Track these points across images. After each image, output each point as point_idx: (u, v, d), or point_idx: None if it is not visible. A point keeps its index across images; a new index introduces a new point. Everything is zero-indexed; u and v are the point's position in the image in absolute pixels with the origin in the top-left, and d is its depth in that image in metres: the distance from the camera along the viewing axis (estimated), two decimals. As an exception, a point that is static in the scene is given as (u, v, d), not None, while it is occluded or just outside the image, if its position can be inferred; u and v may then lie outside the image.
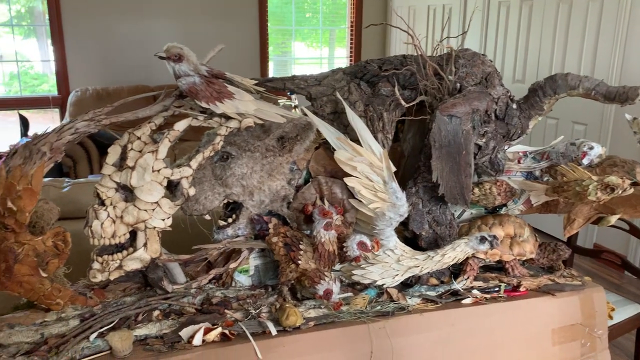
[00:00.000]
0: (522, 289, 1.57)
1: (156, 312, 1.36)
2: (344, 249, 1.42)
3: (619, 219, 1.61)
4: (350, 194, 1.51)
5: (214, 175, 1.40)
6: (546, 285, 1.61)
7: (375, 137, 1.50)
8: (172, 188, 1.36)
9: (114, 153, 1.33)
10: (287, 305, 1.35)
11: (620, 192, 1.40)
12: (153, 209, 1.31)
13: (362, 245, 1.41)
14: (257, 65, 6.12)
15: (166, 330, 1.30)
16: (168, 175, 1.32)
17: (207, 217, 1.43)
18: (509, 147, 1.66)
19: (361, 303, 1.44)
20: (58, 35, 5.33)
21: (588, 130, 3.97)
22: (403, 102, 1.50)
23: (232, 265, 1.50)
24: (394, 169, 1.44)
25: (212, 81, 1.36)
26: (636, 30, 3.58)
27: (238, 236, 1.49)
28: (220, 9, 5.82)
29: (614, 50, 3.71)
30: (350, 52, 6.64)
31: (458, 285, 1.55)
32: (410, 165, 1.63)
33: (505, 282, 1.59)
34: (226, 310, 1.37)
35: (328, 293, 1.35)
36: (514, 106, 1.59)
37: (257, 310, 1.38)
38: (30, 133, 4.72)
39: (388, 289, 1.50)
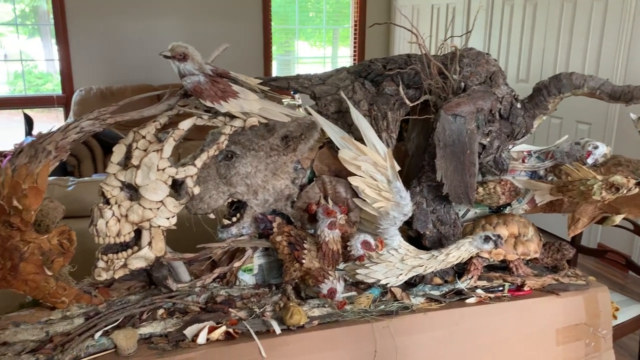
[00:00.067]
0: (526, 288, 1.57)
1: (161, 311, 1.36)
2: (348, 248, 1.43)
3: (624, 218, 1.60)
4: (354, 193, 1.51)
5: (219, 174, 1.40)
6: (550, 285, 1.60)
7: (380, 136, 1.50)
8: (176, 187, 1.36)
9: (119, 152, 1.33)
10: (291, 304, 1.35)
11: (625, 191, 1.39)
12: (158, 208, 1.31)
13: (366, 244, 1.41)
14: (260, 65, 6.13)
15: (170, 329, 1.30)
16: (173, 174, 1.32)
17: (212, 215, 1.44)
18: (513, 147, 1.66)
19: (365, 302, 1.44)
20: (62, 34, 5.35)
21: (592, 129, 3.96)
22: (407, 101, 1.50)
23: (236, 264, 1.50)
24: (398, 168, 1.44)
25: (217, 80, 1.36)
26: (641, 30, 3.57)
27: (242, 235, 1.49)
28: (224, 8, 5.82)
29: (619, 49, 3.70)
30: (354, 51, 6.64)
31: (462, 284, 1.55)
32: (415, 164, 1.63)
33: (509, 282, 1.59)
34: (230, 309, 1.37)
35: (332, 292, 1.36)
36: (519, 105, 1.58)
37: (261, 309, 1.39)
38: (35, 132, 4.74)
39: (392, 288, 1.50)
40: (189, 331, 1.28)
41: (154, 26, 5.62)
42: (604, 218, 1.63)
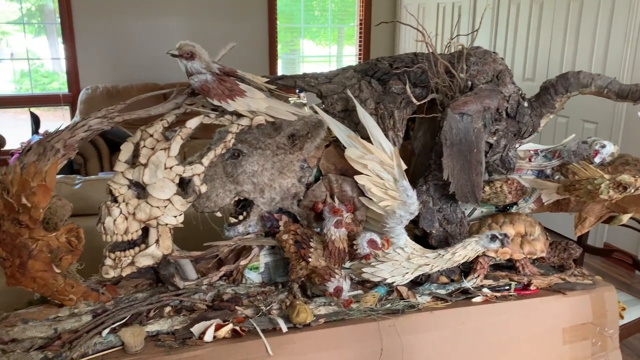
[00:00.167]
0: (532, 287, 1.56)
1: (168, 309, 1.37)
2: (354, 247, 1.43)
3: (631, 218, 1.60)
4: (361, 191, 1.51)
5: (225, 172, 1.40)
6: (557, 284, 1.60)
7: (386, 135, 1.50)
8: (183, 185, 1.36)
9: (126, 150, 1.34)
10: (297, 303, 1.35)
11: (632, 190, 1.39)
12: (165, 206, 1.32)
13: (372, 243, 1.41)
14: (266, 63, 6.13)
15: (177, 327, 1.31)
16: (180, 173, 1.32)
17: (218, 214, 1.44)
18: (520, 145, 1.65)
19: (371, 301, 1.45)
20: (69, 33, 5.37)
21: (599, 128, 3.94)
22: (414, 100, 1.50)
23: (243, 262, 1.51)
24: (404, 166, 1.44)
25: (224, 79, 1.36)
26: (648, 28, 3.56)
27: (249, 233, 1.50)
28: (230, 7, 5.83)
29: (626, 47, 3.68)
30: (359, 50, 6.63)
31: (468, 283, 1.55)
32: (421, 163, 1.63)
33: (515, 281, 1.59)
34: (237, 307, 1.38)
35: (338, 290, 1.36)
36: (526, 104, 1.58)
37: (268, 307, 1.39)
38: (41, 131, 4.76)
39: (398, 287, 1.51)
40: (196, 329, 1.28)
41: (160, 25, 5.63)
42: (611, 217, 1.62)
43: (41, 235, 1.26)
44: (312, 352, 1.33)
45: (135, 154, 1.33)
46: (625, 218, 1.59)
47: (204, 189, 1.36)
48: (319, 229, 1.50)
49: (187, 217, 1.39)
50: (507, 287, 1.56)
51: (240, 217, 1.48)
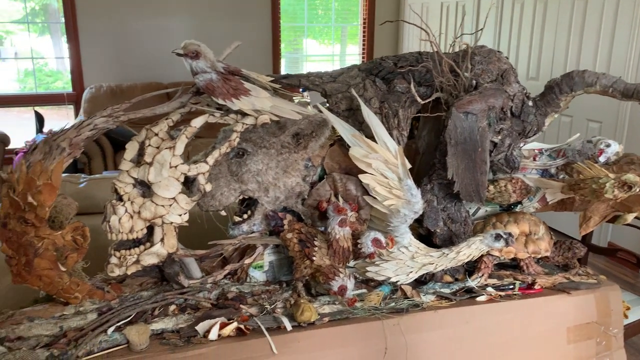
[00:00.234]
0: (536, 286, 1.56)
1: (172, 307, 1.37)
2: (359, 246, 1.43)
3: (635, 217, 1.59)
4: (365, 190, 1.51)
5: (230, 171, 1.41)
6: (561, 283, 1.60)
7: (391, 134, 1.50)
8: (188, 184, 1.37)
9: (131, 149, 1.34)
10: (302, 301, 1.35)
11: (637, 190, 1.39)
12: (170, 205, 1.32)
13: (376, 242, 1.41)
14: (269, 62, 6.13)
15: (182, 325, 1.31)
16: (185, 171, 1.33)
17: (223, 212, 1.44)
18: (524, 145, 1.65)
19: (375, 300, 1.45)
20: (73, 32, 5.38)
21: (603, 128, 3.93)
22: (419, 99, 1.50)
23: (247, 260, 1.51)
24: (409, 165, 1.44)
25: (229, 78, 1.37)
26: (653, 27, 3.54)
27: (253, 232, 1.50)
28: (233, 6, 5.84)
29: (630, 46, 3.67)
30: (363, 49, 6.63)
31: (472, 282, 1.55)
32: (425, 162, 1.63)
33: (519, 280, 1.59)
34: (241, 306, 1.38)
35: (342, 289, 1.36)
36: (530, 103, 1.58)
37: (272, 306, 1.39)
38: (45, 129, 4.78)
39: (402, 286, 1.51)
40: (200, 327, 1.29)
41: (164, 24, 5.64)
42: (616, 216, 1.62)
43: (47, 234, 1.26)
44: (317, 351, 1.33)
45: (141, 152, 1.34)
46: (630, 217, 1.59)
47: (208, 187, 1.37)
48: (323, 228, 1.50)
49: (192, 216, 1.40)
50: (511, 286, 1.56)
51: (245, 216, 1.48)
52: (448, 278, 1.58)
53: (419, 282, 1.55)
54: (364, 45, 6.61)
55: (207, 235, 1.47)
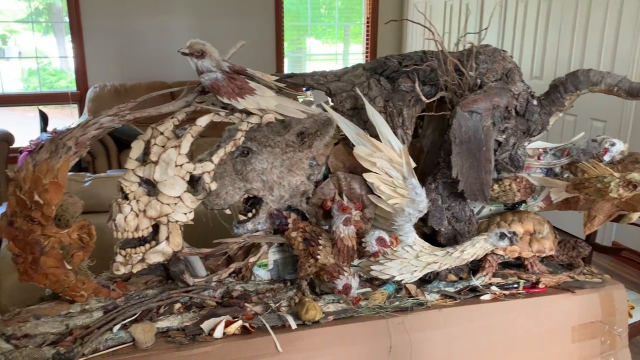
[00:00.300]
0: (541, 285, 1.56)
1: (177, 305, 1.38)
2: (363, 245, 1.43)
3: (640, 216, 1.59)
4: (369, 189, 1.51)
5: (235, 170, 1.41)
6: (566, 283, 1.60)
7: (395, 133, 1.50)
8: (194, 182, 1.37)
9: (137, 148, 1.35)
10: (306, 300, 1.36)
11: (642, 189, 1.39)
12: (175, 203, 1.33)
13: (381, 240, 1.41)
14: (272, 62, 6.14)
15: (187, 323, 1.32)
16: (190, 170, 1.33)
17: (228, 211, 1.45)
18: (528, 144, 1.65)
19: (380, 298, 1.45)
20: (77, 31, 5.39)
21: (607, 127, 3.92)
22: (423, 98, 1.50)
23: (252, 259, 1.52)
24: (413, 164, 1.44)
25: (234, 77, 1.37)
26: (657, 26, 3.53)
27: (258, 231, 1.50)
28: (237, 5, 5.84)
29: (635, 45, 3.66)
30: (366, 48, 6.62)
31: (477, 281, 1.55)
32: (430, 161, 1.63)
33: (524, 279, 1.59)
34: (246, 304, 1.39)
35: (347, 288, 1.36)
36: (535, 102, 1.58)
37: (277, 304, 1.40)
38: (50, 128, 4.79)
39: (406, 285, 1.51)
40: (205, 325, 1.29)
41: (167, 23, 5.65)
42: (621, 215, 1.62)
43: (53, 232, 1.27)
44: (321, 349, 1.33)
45: (146, 151, 1.34)
46: (635, 216, 1.58)
47: (214, 186, 1.37)
48: (327, 227, 1.51)
49: (197, 215, 1.40)
50: (515, 285, 1.56)
51: (250, 215, 1.48)
52: (452, 277, 1.58)
53: (424, 281, 1.55)
54: (367, 44, 6.60)
55: (212, 234, 1.48)
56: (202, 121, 1.36)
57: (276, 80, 1.49)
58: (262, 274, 1.55)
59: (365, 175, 1.48)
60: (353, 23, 6.74)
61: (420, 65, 1.54)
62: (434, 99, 1.53)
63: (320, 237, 1.46)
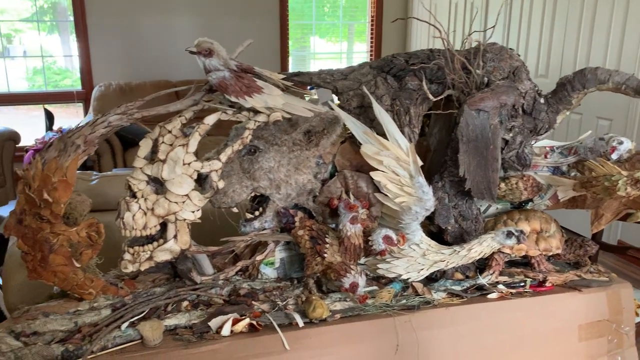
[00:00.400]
0: (547, 284, 1.56)
1: (185, 303, 1.38)
2: (370, 243, 1.43)
3: (647, 215, 1.59)
4: (376, 188, 1.51)
5: (242, 168, 1.42)
6: (572, 281, 1.59)
7: (402, 132, 1.50)
8: (201, 181, 1.38)
9: (145, 146, 1.35)
10: (313, 298, 1.36)
11: (650, 187, 1.38)
12: (183, 202, 1.33)
13: (387, 239, 1.41)
14: (277, 60, 6.14)
15: (195, 321, 1.32)
16: (198, 169, 1.34)
17: (235, 209, 1.45)
18: (535, 142, 1.65)
19: (387, 297, 1.45)
20: (82, 30, 5.41)
21: (613, 125, 3.91)
22: (431, 96, 1.50)
23: (259, 257, 1.52)
24: (420, 163, 1.44)
25: (242, 76, 1.37)
26: (664, 24, 3.52)
27: (264, 229, 1.51)
28: (242, 3, 5.84)
29: (641, 44, 3.64)
30: (371, 46, 6.62)
31: (483, 280, 1.55)
32: (437, 159, 1.63)
33: (531, 278, 1.59)
34: (253, 302, 1.39)
35: (354, 286, 1.36)
36: (542, 101, 1.57)
37: (284, 302, 1.40)
38: (55, 127, 4.81)
39: (413, 283, 1.51)
40: (213, 323, 1.30)
41: (172, 22, 5.66)
42: (628, 214, 1.61)
43: (62, 230, 1.27)
44: (329, 347, 1.33)
45: (154, 150, 1.35)
46: (642, 215, 1.58)
47: (221, 184, 1.37)
48: (334, 225, 1.51)
49: (204, 213, 1.41)
50: (522, 284, 1.56)
51: (257, 213, 1.49)
52: (459, 275, 1.58)
53: (430, 280, 1.55)
54: (371, 42, 6.59)
55: (219, 232, 1.48)
56: (210, 120, 1.37)
57: (283, 79, 1.49)
58: (269, 272, 1.55)
59: (372, 173, 1.48)
60: (357, 22, 6.73)
61: (427, 63, 1.54)
62: (441, 97, 1.53)
63: (327, 236, 1.46)
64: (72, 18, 5.41)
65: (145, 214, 1.31)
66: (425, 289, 1.50)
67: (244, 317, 1.32)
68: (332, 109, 1.51)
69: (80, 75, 5.58)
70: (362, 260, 1.52)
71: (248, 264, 1.53)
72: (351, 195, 1.51)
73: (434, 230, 1.59)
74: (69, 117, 6.10)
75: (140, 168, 1.33)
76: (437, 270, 1.52)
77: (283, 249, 1.57)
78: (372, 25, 6.54)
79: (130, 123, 1.34)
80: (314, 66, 6.69)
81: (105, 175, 2.20)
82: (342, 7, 6.65)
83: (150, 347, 1.23)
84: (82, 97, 5.59)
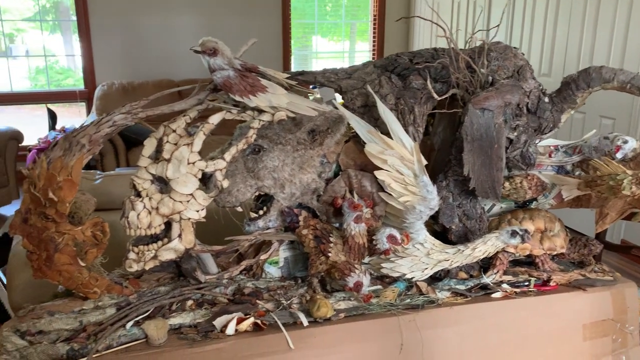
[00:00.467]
0: (552, 283, 1.56)
1: (189, 302, 1.39)
2: (374, 242, 1.43)
3: (653, 214, 1.59)
4: (380, 187, 1.51)
5: (246, 167, 1.42)
6: (577, 280, 1.59)
7: (406, 131, 1.50)
8: (206, 180, 1.38)
9: (149, 145, 1.35)
10: (318, 297, 1.36)
11: (655, 186, 1.38)
12: (188, 201, 1.33)
13: (391, 238, 1.41)
14: (279, 59, 6.13)
15: (199, 320, 1.32)
16: (203, 168, 1.34)
17: (239, 209, 1.45)
18: (540, 141, 1.65)
19: (391, 296, 1.45)
20: (85, 30, 5.41)
21: (616, 124, 3.90)
22: (435, 95, 1.50)
23: (263, 256, 1.52)
24: (425, 162, 1.44)
25: (246, 75, 1.38)
26: (668, 23, 3.51)
27: (269, 228, 1.51)
28: (244, 2, 5.84)
29: (645, 42, 3.63)
30: (373, 45, 6.61)
31: (488, 279, 1.55)
32: (441, 158, 1.63)
33: (535, 277, 1.58)
34: (258, 301, 1.39)
35: (358, 285, 1.37)
36: (546, 100, 1.57)
37: (288, 302, 1.40)
38: (58, 127, 4.81)
39: (417, 282, 1.51)
40: (217, 322, 1.30)
41: (175, 22, 5.66)
42: (633, 213, 1.61)
43: (67, 229, 1.28)
44: (333, 346, 1.33)
45: (159, 149, 1.35)
46: (647, 214, 1.58)
47: (225, 184, 1.37)
48: (338, 224, 1.51)
49: (209, 212, 1.41)
50: (526, 283, 1.56)
51: (261, 212, 1.49)
52: (463, 275, 1.58)
53: (434, 279, 1.55)
54: (374, 41, 6.58)
55: (223, 231, 1.48)
56: (215, 119, 1.37)
57: (287, 78, 1.49)
58: (273, 272, 1.55)
59: (376, 172, 1.48)
60: (359, 20, 6.72)
61: (431, 62, 1.54)
62: (446, 96, 1.53)
63: (331, 235, 1.46)
64: (74, 17, 5.42)
65: (149, 213, 1.32)
66: (429, 288, 1.50)
67: (248, 316, 1.32)
68: (336, 108, 1.51)
69: (82, 74, 5.58)
70: (366, 259, 1.52)
71: (252, 263, 1.53)
72: (355, 195, 1.51)
73: (438, 229, 1.59)
74: (72, 116, 6.11)
75: (145, 167, 1.33)
76: (441, 270, 1.52)
77: (287, 248, 1.57)
78: (374, 24, 6.53)
79: (135, 122, 1.34)
80: (316, 65, 6.69)
81: (109, 175, 2.20)
82: (345, 6, 6.64)
83: (155, 346, 1.24)
84: (85, 96, 5.59)
